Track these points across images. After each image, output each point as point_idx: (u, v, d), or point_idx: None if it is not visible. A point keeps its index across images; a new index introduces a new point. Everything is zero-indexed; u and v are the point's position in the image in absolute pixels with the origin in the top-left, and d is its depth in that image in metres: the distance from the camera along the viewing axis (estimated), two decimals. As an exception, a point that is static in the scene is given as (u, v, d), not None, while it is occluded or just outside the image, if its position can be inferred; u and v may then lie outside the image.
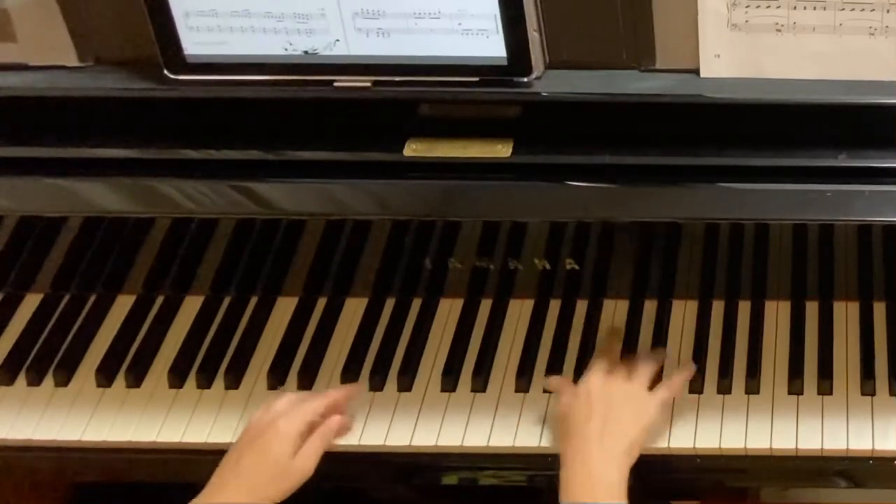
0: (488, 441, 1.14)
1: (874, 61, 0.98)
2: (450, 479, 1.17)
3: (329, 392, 1.13)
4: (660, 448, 1.13)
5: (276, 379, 1.20)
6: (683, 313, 1.26)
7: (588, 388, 1.10)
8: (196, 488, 1.04)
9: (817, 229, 1.16)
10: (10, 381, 1.20)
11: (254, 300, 1.28)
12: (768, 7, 0.96)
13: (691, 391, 1.18)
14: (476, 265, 1.23)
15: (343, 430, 1.13)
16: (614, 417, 1.07)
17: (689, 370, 1.16)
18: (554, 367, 1.20)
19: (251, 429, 1.08)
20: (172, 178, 1.02)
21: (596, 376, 1.12)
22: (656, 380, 1.15)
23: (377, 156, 1.02)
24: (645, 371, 1.13)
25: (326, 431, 1.09)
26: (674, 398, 1.14)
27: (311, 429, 1.08)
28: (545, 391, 1.18)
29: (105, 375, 1.20)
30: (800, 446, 1.12)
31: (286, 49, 0.98)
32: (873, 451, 1.12)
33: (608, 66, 0.99)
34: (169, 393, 1.19)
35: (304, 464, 1.06)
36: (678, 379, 1.14)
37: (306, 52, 0.98)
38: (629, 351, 1.21)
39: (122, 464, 1.16)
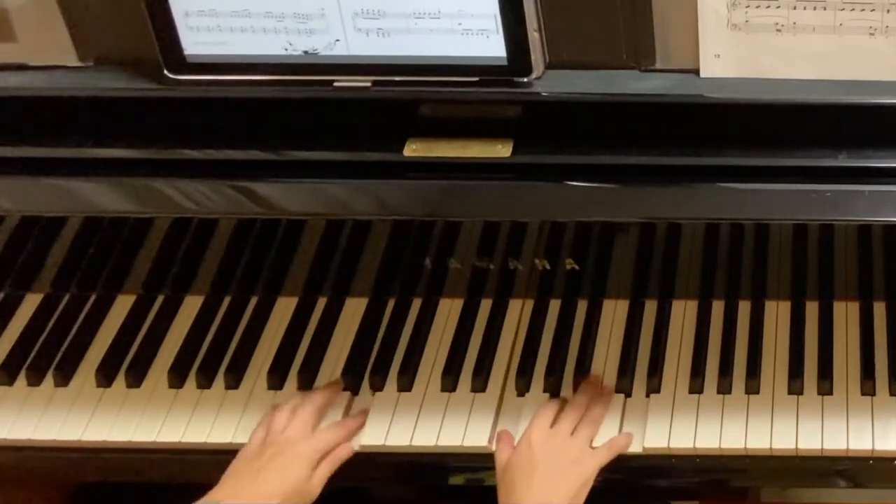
0: (488, 441, 1.14)
1: (874, 61, 0.98)
2: (456, 480, 1.17)
3: (346, 423, 1.15)
4: (660, 448, 1.13)
5: (276, 379, 1.20)
6: (683, 313, 1.26)
7: (530, 442, 1.10)
8: (196, 488, 1.04)
9: (817, 229, 1.16)
10: (10, 381, 1.20)
11: (254, 300, 1.28)
12: (768, 7, 0.96)
13: (691, 391, 1.18)
14: (476, 265, 1.23)
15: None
16: (558, 474, 1.07)
17: (629, 436, 1.14)
18: (554, 367, 1.20)
19: (271, 444, 1.09)
20: (172, 178, 1.02)
21: (538, 429, 1.11)
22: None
23: (377, 156, 1.02)
24: (589, 429, 1.13)
25: (335, 460, 1.12)
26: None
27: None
28: (545, 391, 1.19)
29: (105, 375, 1.20)
30: (800, 446, 1.12)
31: (286, 49, 0.98)
32: (873, 451, 1.12)
33: (608, 66, 0.99)
34: (169, 393, 1.19)
35: (316, 488, 1.09)
36: (620, 441, 1.14)
37: (306, 52, 0.98)
38: (629, 351, 1.21)
39: (122, 464, 1.16)
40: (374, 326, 1.26)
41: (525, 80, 0.98)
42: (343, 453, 1.13)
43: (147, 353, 1.23)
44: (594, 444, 1.13)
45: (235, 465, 1.09)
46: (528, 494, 1.05)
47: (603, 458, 1.12)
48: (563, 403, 1.16)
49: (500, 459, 1.10)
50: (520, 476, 1.07)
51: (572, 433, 1.12)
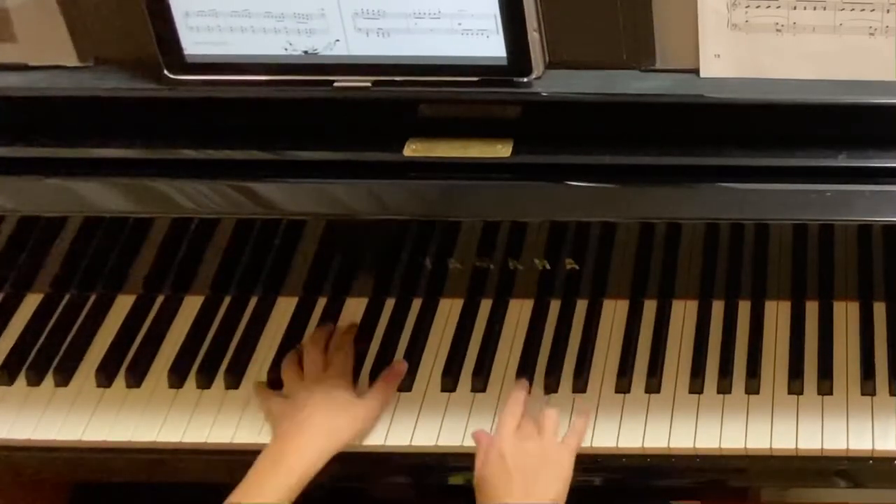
0: (488, 441, 1.14)
1: (874, 61, 0.98)
2: (456, 480, 1.17)
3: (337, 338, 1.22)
4: (660, 448, 1.13)
5: (277, 379, 1.20)
6: (683, 313, 1.26)
7: (501, 451, 1.07)
8: (196, 488, 1.04)
9: (817, 229, 1.16)
10: (10, 381, 1.20)
11: (254, 300, 1.28)
12: (768, 7, 0.96)
13: (691, 391, 1.18)
14: (476, 265, 1.23)
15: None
16: (534, 478, 1.06)
17: (587, 414, 1.15)
18: (554, 367, 1.20)
19: (294, 396, 1.13)
20: (172, 178, 1.02)
21: (506, 436, 1.09)
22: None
23: (377, 156, 1.02)
24: (552, 423, 1.11)
25: (392, 377, 1.17)
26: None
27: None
28: (546, 391, 1.19)
29: (105, 375, 1.20)
30: (800, 446, 1.12)
31: (286, 49, 0.98)
32: (873, 451, 1.12)
33: (608, 66, 0.99)
34: (169, 393, 1.19)
35: (373, 408, 1.13)
36: (581, 423, 1.13)
37: (306, 52, 0.98)
38: (628, 351, 1.21)
39: (122, 464, 1.16)
40: (374, 326, 1.26)
41: (525, 80, 0.98)
42: (398, 368, 1.18)
43: (147, 353, 1.23)
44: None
45: (275, 431, 1.11)
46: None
47: (574, 446, 1.11)
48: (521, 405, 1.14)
49: (476, 475, 1.08)
50: (496, 490, 1.05)
51: (539, 432, 1.11)
